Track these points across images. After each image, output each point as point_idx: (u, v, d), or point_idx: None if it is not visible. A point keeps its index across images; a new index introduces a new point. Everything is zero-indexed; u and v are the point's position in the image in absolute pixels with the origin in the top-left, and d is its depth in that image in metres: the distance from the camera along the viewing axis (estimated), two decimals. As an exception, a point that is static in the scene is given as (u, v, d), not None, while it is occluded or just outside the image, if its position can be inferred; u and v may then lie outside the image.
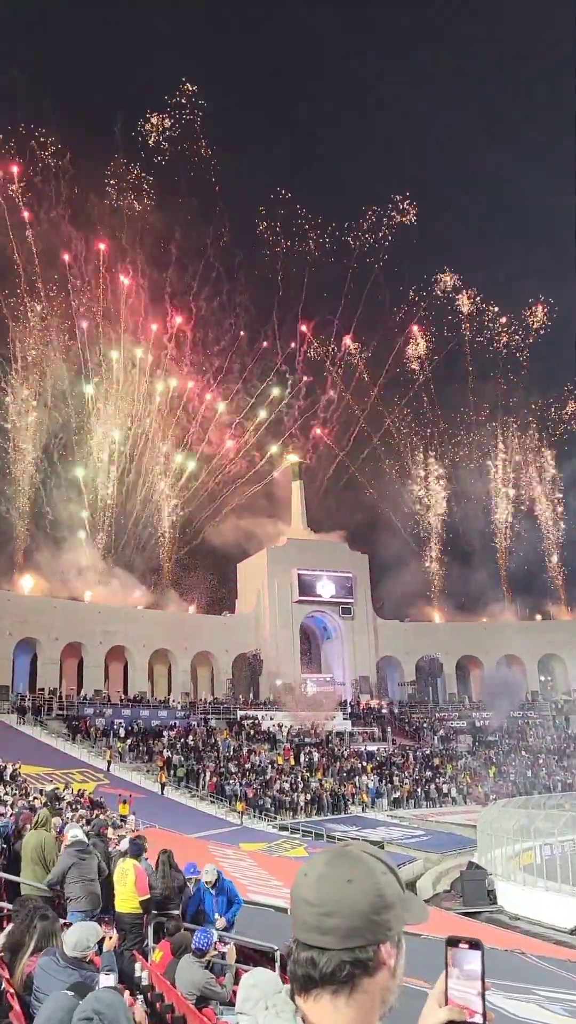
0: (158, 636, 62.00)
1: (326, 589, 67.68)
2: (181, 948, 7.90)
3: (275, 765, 48.91)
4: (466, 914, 25.98)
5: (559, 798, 43.56)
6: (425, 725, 62.14)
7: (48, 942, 5.30)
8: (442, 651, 70.27)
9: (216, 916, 10.20)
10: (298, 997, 1.47)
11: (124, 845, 10.92)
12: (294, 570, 66.59)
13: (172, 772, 44.90)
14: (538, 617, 77.75)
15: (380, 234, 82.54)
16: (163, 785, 42.79)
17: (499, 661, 71.85)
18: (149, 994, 7.27)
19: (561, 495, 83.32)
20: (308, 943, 1.44)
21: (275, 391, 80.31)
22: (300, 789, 45.89)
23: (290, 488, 75.04)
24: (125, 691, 58.88)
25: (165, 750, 47.65)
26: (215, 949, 7.43)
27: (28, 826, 12.27)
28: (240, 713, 56.94)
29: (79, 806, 25.03)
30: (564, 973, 15.82)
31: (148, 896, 9.64)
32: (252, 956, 10.28)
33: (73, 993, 4.36)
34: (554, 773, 56.20)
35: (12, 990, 5.23)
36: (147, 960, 8.55)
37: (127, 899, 9.62)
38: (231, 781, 44.81)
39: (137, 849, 10.15)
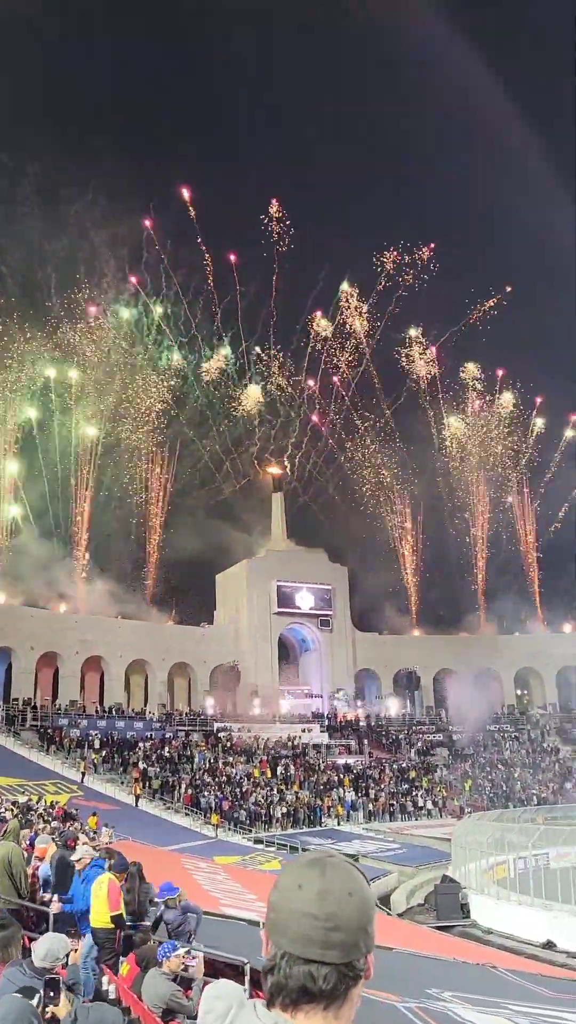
0: (135, 647, 61.67)
1: (305, 601, 67.69)
2: (148, 961, 7.87)
3: (251, 778, 48.74)
4: (439, 928, 26.00)
5: (533, 811, 43.75)
6: (402, 738, 62.17)
7: (5, 952, 5.28)
8: (420, 664, 70.45)
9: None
10: (285, 1012, 1.45)
11: (80, 854, 10.81)
12: (274, 582, 66.56)
13: (147, 784, 44.61)
14: (515, 632, 78.14)
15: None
16: (138, 797, 42.50)
17: (476, 674, 72.07)
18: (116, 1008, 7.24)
19: (538, 510, 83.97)
20: (306, 957, 1.42)
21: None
22: (276, 802, 45.74)
23: (270, 500, 75.10)
24: (101, 702, 58.46)
25: (140, 762, 47.34)
26: (180, 959, 7.42)
27: (-3, 837, 12.17)
28: (217, 725, 56.72)
29: (51, 817, 24.81)
30: (535, 987, 15.85)
31: (119, 911, 9.58)
32: (223, 970, 10.24)
33: (22, 995, 4.39)
34: (529, 787, 56.39)
35: None
36: (115, 973, 8.51)
37: (100, 914, 9.57)
38: (206, 793, 44.58)
39: (122, 864, 10.09)
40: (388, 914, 26.96)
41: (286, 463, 78.88)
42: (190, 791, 44.53)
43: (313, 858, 1.52)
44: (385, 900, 29.88)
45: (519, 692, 75.17)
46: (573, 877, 26.12)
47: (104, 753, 47.93)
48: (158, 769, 47.07)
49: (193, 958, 7.83)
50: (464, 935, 25.26)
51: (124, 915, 9.61)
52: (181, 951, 7.54)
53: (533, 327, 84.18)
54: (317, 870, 1.48)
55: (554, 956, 22.19)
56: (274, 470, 77.14)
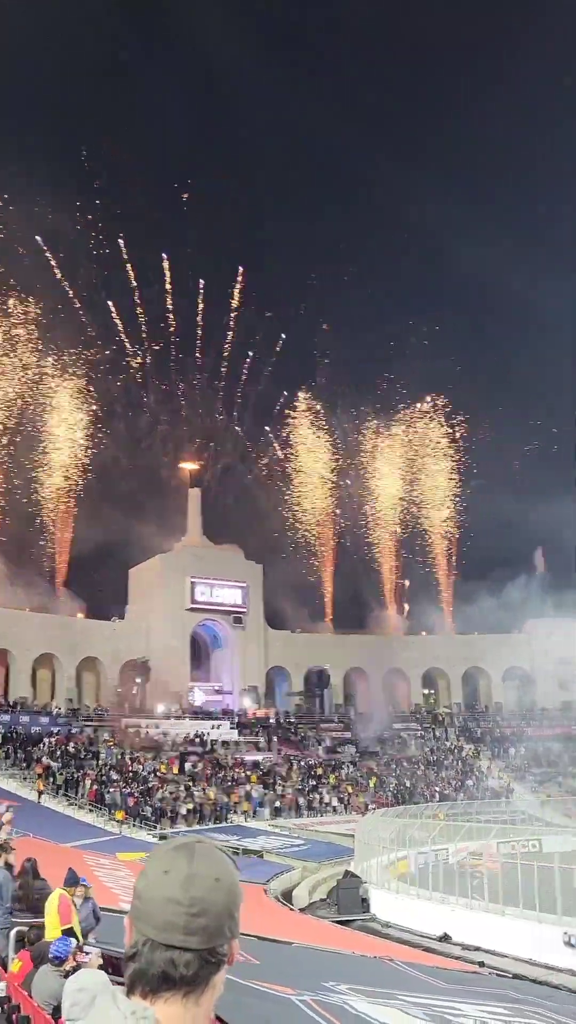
0: (44, 640, 60.37)
1: (219, 598, 67.53)
2: (41, 958, 7.72)
3: (158, 774, 48.36)
4: (340, 922, 26.34)
5: (435, 808, 44.81)
6: (310, 735, 62.70)
7: None
8: (330, 663, 71.20)
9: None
10: (144, 999, 1.42)
11: None
12: (187, 578, 66.15)
13: (51, 780, 43.73)
14: (424, 633, 79.82)
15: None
16: (40, 793, 41.60)
17: (385, 674, 73.34)
18: (5, 1005, 7.08)
19: (451, 514, 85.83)
20: (168, 943, 1.40)
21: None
22: (183, 798, 45.50)
23: (187, 495, 74.57)
24: (5, 696, 57.00)
25: (44, 757, 46.36)
26: (74, 960, 7.30)
27: None
28: (125, 721, 56.01)
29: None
30: (429, 979, 16.22)
31: (70, 925, 9.32)
32: (120, 966, 10.13)
33: None
34: (432, 784, 57.69)
35: None
36: (5, 971, 8.32)
37: (52, 928, 9.31)
38: (112, 790, 44.00)
39: (72, 879, 9.87)
40: (290, 909, 27.14)
41: (203, 459, 78.69)
42: (95, 787, 43.87)
43: (180, 843, 1.50)
44: (288, 895, 30.11)
45: (426, 692, 76.82)
46: (470, 871, 26.89)
47: (7, 748, 46.75)
48: (62, 765, 46.20)
49: (87, 954, 7.71)
50: (364, 929, 25.68)
51: (76, 928, 9.40)
52: (73, 945, 7.42)
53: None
54: (184, 856, 1.45)
55: (450, 948, 22.78)
56: (190, 465, 76.77)
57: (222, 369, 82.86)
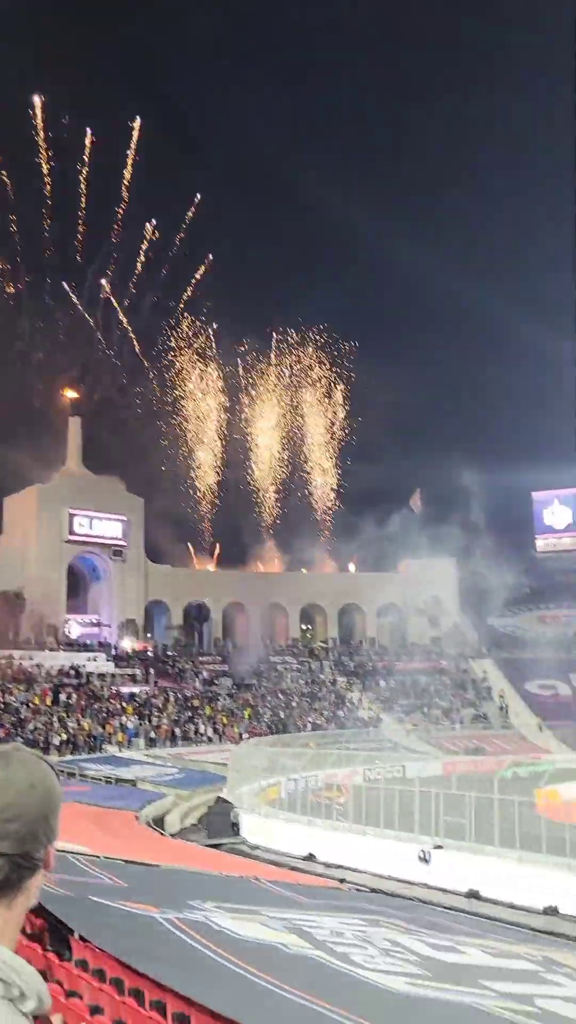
0: None
1: (98, 531, 66.35)
2: None
3: (31, 705, 47.76)
4: (210, 846, 27.02)
5: (307, 737, 46.35)
6: (188, 668, 63.24)
7: None
8: (210, 597, 71.69)
9: None
10: None
11: None
12: (66, 509, 64.53)
13: None
14: (303, 570, 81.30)
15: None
16: None
17: (264, 609, 74.55)
18: None
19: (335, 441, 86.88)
20: None
21: None
22: (56, 729, 45.19)
23: (66, 425, 72.25)
24: None
25: None
26: None
27: None
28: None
29: None
30: (293, 895, 16.87)
31: None
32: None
33: None
34: (306, 715, 59.47)
35: None
36: None
37: None
38: (-18, 722, 43.22)
39: None
40: (161, 834, 27.61)
41: (82, 389, 76.33)
42: (-36, 719, 42.97)
43: None
44: (160, 821, 30.58)
45: (304, 627, 78.64)
46: (325, 803, 28.06)
47: None
48: None
49: None
50: (233, 851, 26.43)
51: None
52: None
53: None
54: (0, 763, 1.48)
55: (313, 867, 23.80)
56: (71, 393, 74.32)
57: (102, 297, 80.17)
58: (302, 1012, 6.72)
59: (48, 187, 75.50)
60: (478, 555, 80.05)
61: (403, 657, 72.07)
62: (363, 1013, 6.63)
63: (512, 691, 66.09)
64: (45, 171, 74.59)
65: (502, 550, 78.94)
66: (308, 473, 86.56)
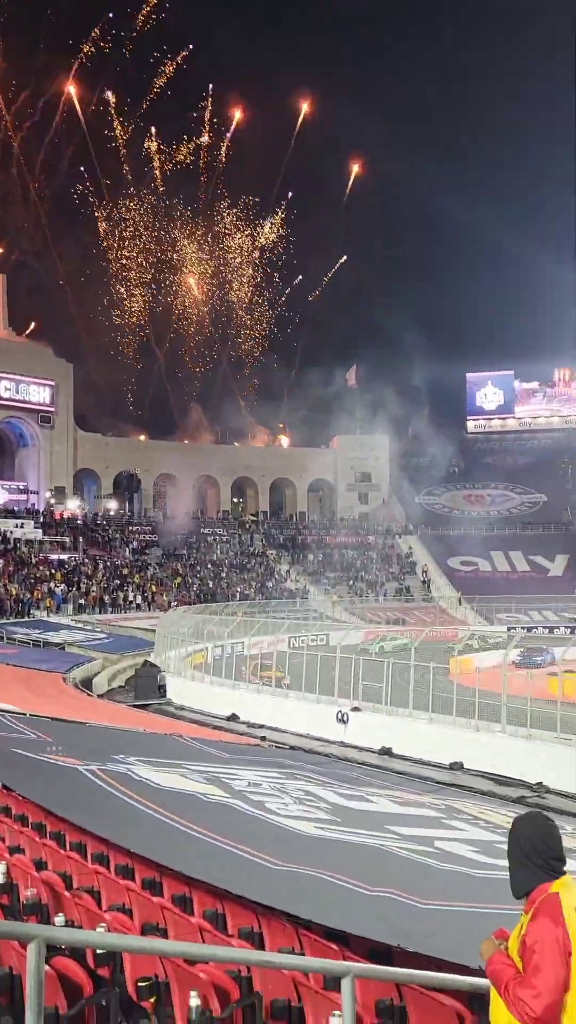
0: None
1: (25, 395, 64.44)
2: None
3: (-43, 570, 47.44)
4: (137, 707, 27.84)
5: (235, 606, 47.35)
6: (118, 537, 63.34)
7: None
8: (141, 467, 71.17)
9: None
10: None
11: None
12: (-9, 372, 62.33)
13: None
14: (236, 443, 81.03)
15: None
16: None
17: (196, 481, 74.58)
18: None
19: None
20: None
21: None
22: (-17, 594, 45.13)
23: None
24: None
25: None
26: None
27: None
28: None
29: None
30: (214, 751, 17.61)
31: None
32: None
33: None
34: (234, 585, 60.64)
35: None
36: None
37: None
38: None
39: None
40: (88, 695, 28.26)
41: (5, 246, 72.15)
42: None
43: None
44: (88, 683, 31.27)
45: (235, 500, 79.12)
46: (260, 661, 28.98)
47: None
48: None
49: None
50: (159, 711, 27.32)
51: None
52: None
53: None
54: None
55: (236, 727, 24.81)
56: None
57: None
58: (211, 850, 7.09)
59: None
60: (410, 434, 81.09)
61: (331, 532, 73.51)
62: (270, 851, 7.03)
63: (435, 566, 68.39)
64: None
65: (435, 430, 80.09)
66: (241, 342, 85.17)
